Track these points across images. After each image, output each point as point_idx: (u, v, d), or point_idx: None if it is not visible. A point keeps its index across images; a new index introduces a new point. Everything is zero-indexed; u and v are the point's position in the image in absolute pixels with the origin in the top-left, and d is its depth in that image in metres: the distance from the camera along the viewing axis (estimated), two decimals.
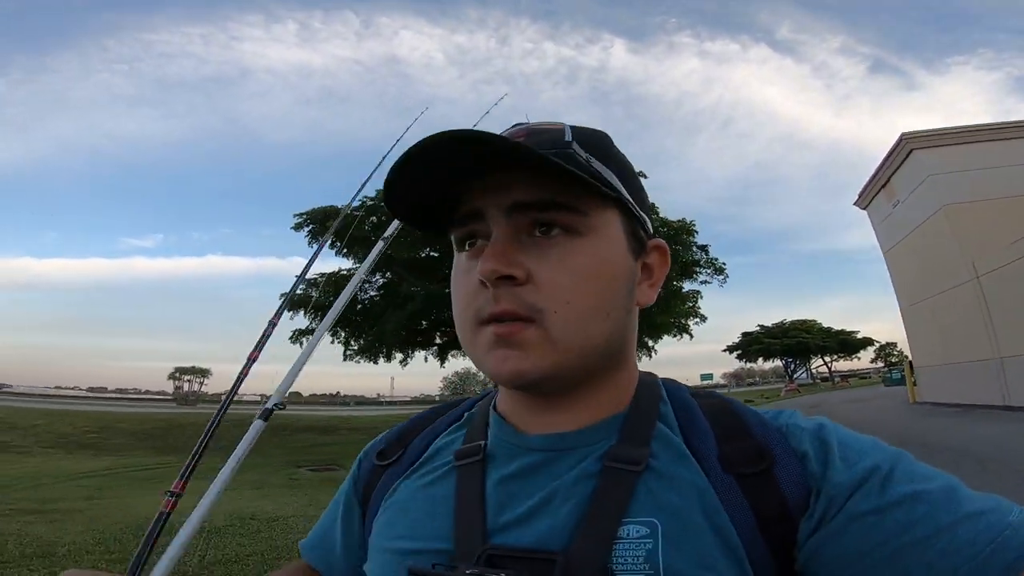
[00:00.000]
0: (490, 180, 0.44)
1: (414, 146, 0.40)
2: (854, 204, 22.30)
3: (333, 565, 0.58)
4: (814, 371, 64.92)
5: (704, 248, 15.80)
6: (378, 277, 14.84)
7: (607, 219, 0.45)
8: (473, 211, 0.45)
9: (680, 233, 15.11)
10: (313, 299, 11.46)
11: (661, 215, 15.46)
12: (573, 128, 0.47)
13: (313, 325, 13.33)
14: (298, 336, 14.78)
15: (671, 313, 15.92)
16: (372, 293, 15.24)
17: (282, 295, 11.19)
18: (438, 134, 0.39)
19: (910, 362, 19.81)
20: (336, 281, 12.29)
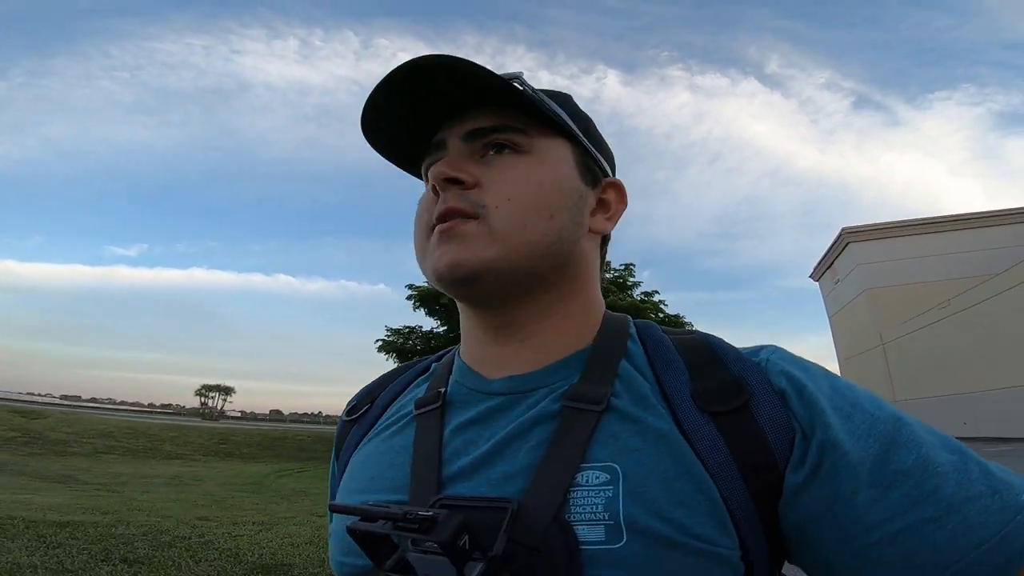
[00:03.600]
0: (457, 118, 0.46)
1: (389, 73, 0.42)
2: (809, 276, 28.94)
3: None
4: None
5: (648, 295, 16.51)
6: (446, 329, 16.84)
7: (555, 144, 0.47)
8: (438, 142, 0.47)
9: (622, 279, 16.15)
10: (397, 344, 15.89)
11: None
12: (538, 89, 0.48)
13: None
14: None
15: None
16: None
17: (376, 340, 16.94)
18: (407, 62, 0.41)
19: None
20: (425, 335, 16.19)
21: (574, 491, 0.36)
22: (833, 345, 26.95)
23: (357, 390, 0.59)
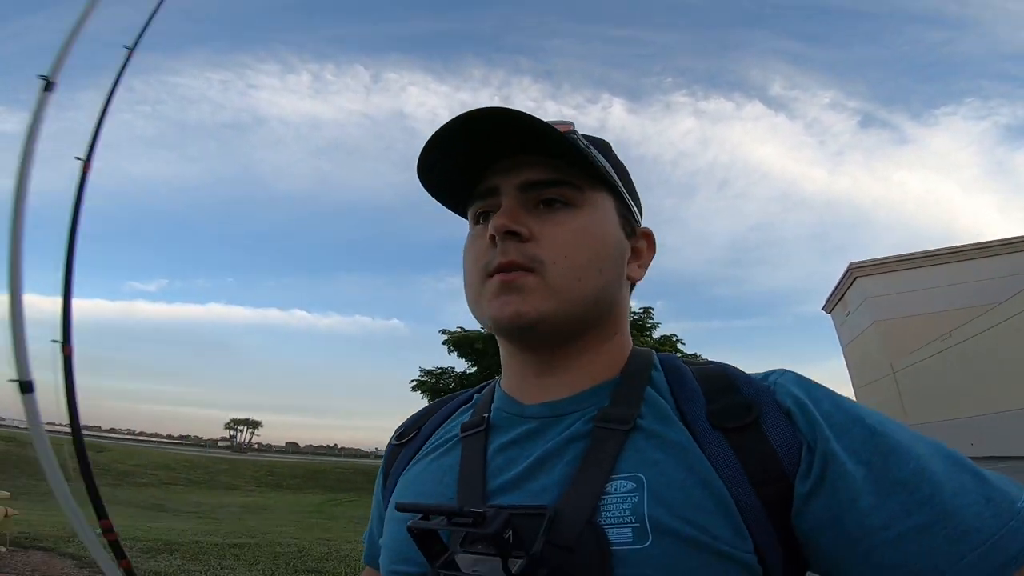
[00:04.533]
0: (507, 163, 0.51)
1: (447, 123, 0.47)
2: (822, 309, 30.39)
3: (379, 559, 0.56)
4: None
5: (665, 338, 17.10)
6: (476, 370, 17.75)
7: (602, 198, 0.52)
8: (490, 188, 0.52)
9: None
10: (430, 384, 17.18)
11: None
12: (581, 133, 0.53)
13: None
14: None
15: None
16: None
17: (410, 380, 18.30)
18: (472, 111, 0.46)
19: None
20: (458, 376, 17.57)
21: (604, 499, 0.40)
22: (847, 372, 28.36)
23: (371, 423, 1.00)
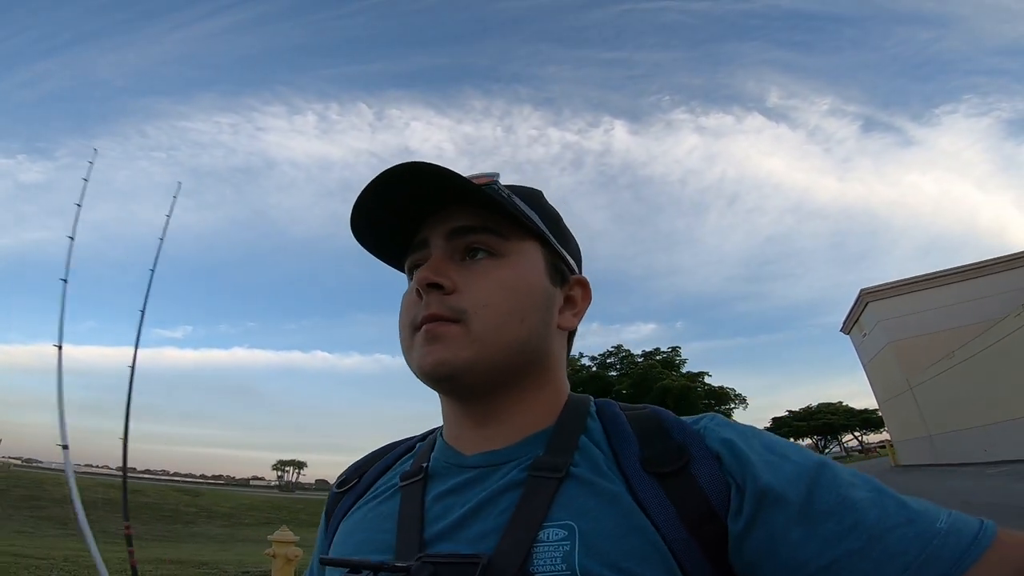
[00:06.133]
0: (442, 214, 0.53)
1: (371, 181, 0.49)
2: (840, 330, 33.03)
3: None
4: (845, 444, 68.13)
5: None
6: None
7: (526, 247, 0.53)
8: (421, 240, 0.54)
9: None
10: None
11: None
12: (508, 185, 0.55)
13: None
14: None
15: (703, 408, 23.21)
16: None
17: None
18: (395, 167, 0.48)
19: (890, 441, 29.71)
20: None
21: (537, 546, 0.41)
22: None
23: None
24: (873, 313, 28.12)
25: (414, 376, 0.53)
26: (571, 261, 0.60)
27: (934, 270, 27.56)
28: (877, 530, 0.38)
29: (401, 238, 0.56)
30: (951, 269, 27.12)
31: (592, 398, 0.57)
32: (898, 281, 28.28)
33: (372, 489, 0.58)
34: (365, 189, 0.50)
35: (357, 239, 0.56)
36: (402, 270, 0.60)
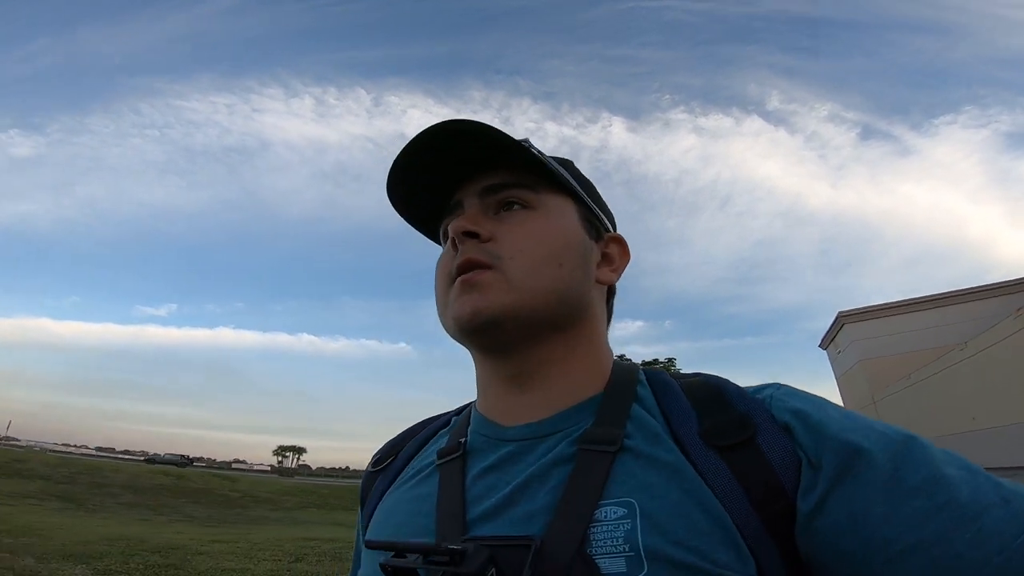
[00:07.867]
0: (470, 179, 0.52)
1: (410, 141, 0.48)
2: (819, 346, 36.80)
3: None
4: None
5: None
6: None
7: (560, 201, 0.53)
8: (455, 203, 0.54)
9: None
10: None
11: None
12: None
13: None
14: None
15: None
16: None
17: None
18: (431, 127, 0.47)
19: None
20: None
21: (594, 526, 0.38)
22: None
23: (381, 444, 0.62)
24: (848, 333, 31.65)
25: (444, 334, 0.53)
26: (605, 220, 0.59)
27: (919, 282, 30.90)
28: (971, 510, 0.34)
29: (431, 209, 0.57)
30: (921, 298, 30.72)
31: (640, 366, 0.55)
32: (874, 306, 31.93)
33: (408, 468, 0.56)
34: (401, 151, 0.50)
35: (394, 205, 0.56)
36: (434, 239, 0.60)
